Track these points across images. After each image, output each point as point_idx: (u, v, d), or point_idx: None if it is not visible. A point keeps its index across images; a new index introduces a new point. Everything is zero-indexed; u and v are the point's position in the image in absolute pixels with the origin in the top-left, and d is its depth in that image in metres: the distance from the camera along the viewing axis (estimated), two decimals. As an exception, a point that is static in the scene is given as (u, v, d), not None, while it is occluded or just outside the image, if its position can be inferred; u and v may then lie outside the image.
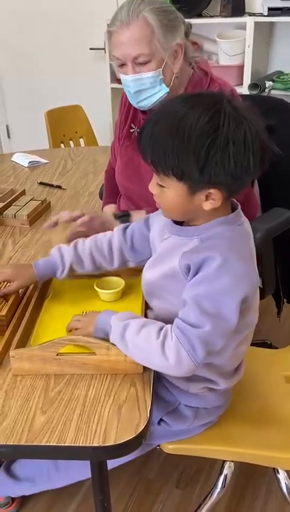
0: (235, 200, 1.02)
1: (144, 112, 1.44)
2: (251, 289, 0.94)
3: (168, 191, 0.93)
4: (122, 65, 1.33)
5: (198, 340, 0.90)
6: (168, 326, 0.94)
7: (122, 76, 1.36)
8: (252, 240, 1.01)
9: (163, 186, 0.94)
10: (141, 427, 0.87)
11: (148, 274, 1.08)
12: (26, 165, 2.31)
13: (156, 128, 0.89)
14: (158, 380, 1.08)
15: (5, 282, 1.18)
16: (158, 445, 1.18)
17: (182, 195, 0.92)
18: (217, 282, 0.90)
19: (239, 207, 1.01)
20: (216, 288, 0.90)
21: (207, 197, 0.92)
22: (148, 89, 1.33)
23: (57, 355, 0.98)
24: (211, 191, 0.91)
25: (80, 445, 0.84)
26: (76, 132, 3.10)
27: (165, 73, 1.33)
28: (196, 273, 0.92)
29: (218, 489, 1.22)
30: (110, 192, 1.67)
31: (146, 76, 1.31)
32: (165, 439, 1.16)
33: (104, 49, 3.45)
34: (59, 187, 2.04)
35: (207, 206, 0.93)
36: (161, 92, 1.34)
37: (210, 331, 0.90)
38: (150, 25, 1.26)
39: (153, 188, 0.97)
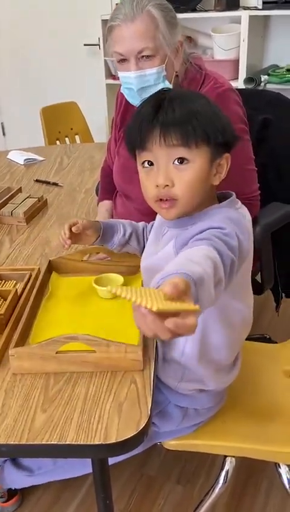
0: (230, 191, 1.03)
1: None
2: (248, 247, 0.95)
3: (192, 166, 0.94)
4: (123, 61, 1.31)
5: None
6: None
7: (123, 74, 1.32)
8: (251, 226, 1.01)
9: (187, 162, 0.93)
10: (143, 424, 0.86)
11: (146, 261, 1.10)
12: (22, 163, 2.30)
13: (175, 103, 0.93)
14: None
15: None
16: (159, 442, 1.18)
17: (204, 168, 0.95)
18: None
19: (234, 196, 1.02)
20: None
21: (217, 170, 0.98)
22: (152, 86, 1.31)
23: (57, 353, 0.97)
24: (225, 155, 0.98)
25: (82, 443, 0.84)
26: (71, 129, 3.09)
27: (168, 69, 1.32)
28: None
29: (219, 485, 1.22)
30: (105, 189, 1.66)
31: (150, 72, 1.29)
32: (152, 441, 1.16)
33: (98, 45, 3.43)
34: (56, 184, 2.03)
35: (216, 180, 0.98)
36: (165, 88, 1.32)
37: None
38: (155, 19, 1.25)
39: (166, 179, 0.94)
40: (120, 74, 1.34)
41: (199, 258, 0.78)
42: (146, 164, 0.97)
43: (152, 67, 1.29)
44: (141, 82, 1.31)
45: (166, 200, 0.96)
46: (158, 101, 0.95)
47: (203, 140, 0.93)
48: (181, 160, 0.94)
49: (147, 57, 1.28)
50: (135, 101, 1.36)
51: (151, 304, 0.61)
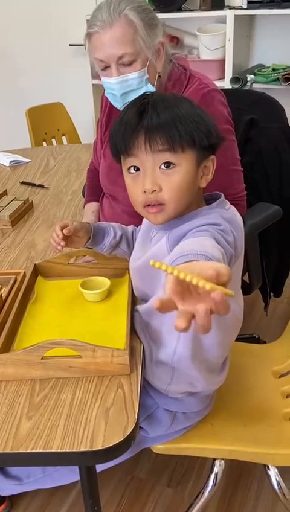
0: (218, 193, 1.03)
1: None
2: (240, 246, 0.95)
3: (179, 170, 0.93)
4: (105, 68, 1.30)
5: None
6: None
7: (105, 80, 1.31)
8: (242, 224, 1.01)
9: (174, 166, 0.93)
10: (130, 430, 0.86)
11: (137, 263, 1.09)
12: (8, 165, 2.28)
13: (159, 108, 0.92)
14: None
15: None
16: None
17: (191, 171, 0.94)
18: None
19: (222, 196, 1.02)
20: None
21: (203, 172, 0.97)
22: (135, 90, 1.29)
23: (42, 359, 0.96)
24: (211, 158, 0.98)
25: (67, 450, 0.82)
26: (58, 130, 3.07)
27: (150, 72, 1.30)
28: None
29: (209, 488, 1.21)
30: (92, 190, 1.65)
31: (132, 77, 1.28)
32: (141, 446, 1.16)
33: (84, 45, 3.41)
34: (42, 186, 2.01)
35: (203, 183, 0.98)
36: (147, 92, 1.31)
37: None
38: (133, 23, 1.23)
39: (153, 184, 0.94)
40: (103, 80, 1.33)
41: (210, 246, 0.77)
42: (132, 170, 0.97)
43: (133, 71, 1.27)
44: (123, 87, 1.29)
45: (154, 205, 0.96)
46: (142, 106, 0.94)
47: (188, 144, 0.93)
48: (167, 164, 0.93)
49: (128, 62, 1.26)
50: (119, 105, 1.35)
51: (204, 283, 0.56)
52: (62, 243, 1.13)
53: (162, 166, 0.93)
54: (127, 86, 1.29)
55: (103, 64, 1.29)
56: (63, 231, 1.13)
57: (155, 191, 0.94)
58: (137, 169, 0.96)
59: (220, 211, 0.98)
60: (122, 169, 1.01)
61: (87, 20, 1.28)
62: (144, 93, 1.03)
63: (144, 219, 1.11)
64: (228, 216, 0.95)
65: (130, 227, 1.26)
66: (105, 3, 1.25)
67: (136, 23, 1.23)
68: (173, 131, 0.91)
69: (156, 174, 0.94)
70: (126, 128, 0.94)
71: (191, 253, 0.74)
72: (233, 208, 1.03)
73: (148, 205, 0.96)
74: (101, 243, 1.21)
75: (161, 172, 0.94)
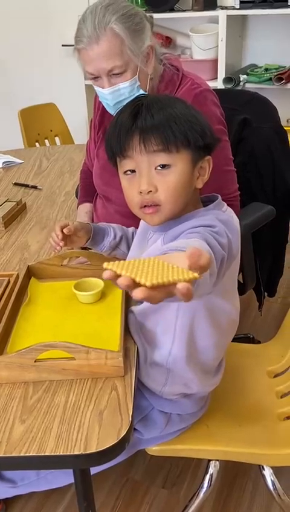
0: (215, 194, 1.03)
1: None
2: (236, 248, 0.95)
3: (174, 170, 0.93)
4: (96, 78, 1.30)
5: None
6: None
7: (98, 89, 1.33)
8: (238, 226, 1.01)
9: (169, 167, 0.93)
10: (124, 432, 0.85)
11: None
12: (0, 166, 2.27)
13: (153, 109, 0.92)
14: None
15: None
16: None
17: (186, 172, 0.94)
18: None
19: (219, 198, 1.02)
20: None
21: (199, 173, 0.97)
22: (127, 98, 1.29)
23: (35, 361, 0.96)
24: (207, 158, 0.98)
25: (61, 454, 0.82)
26: (51, 130, 3.06)
27: (141, 78, 1.31)
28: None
29: (204, 489, 1.21)
30: (85, 191, 1.64)
31: (123, 86, 1.29)
32: (135, 448, 1.15)
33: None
34: (35, 187, 2.00)
35: (199, 184, 0.98)
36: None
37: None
38: (118, 36, 1.23)
39: (149, 185, 0.94)
40: (96, 89, 1.34)
41: (196, 245, 0.78)
42: (128, 172, 0.97)
43: (124, 81, 1.28)
44: (116, 97, 1.31)
45: (150, 205, 0.96)
46: (136, 108, 0.94)
47: (183, 144, 0.93)
48: (163, 165, 0.93)
49: (118, 73, 1.27)
50: (113, 112, 1.35)
51: (145, 279, 0.61)
52: (61, 243, 1.14)
53: (158, 167, 0.93)
54: (119, 96, 1.30)
55: (93, 75, 1.30)
56: (64, 230, 1.13)
57: (151, 191, 0.94)
58: (133, 171, 0.96)
59: (216, 212, 0.98)
60: (116, 171, 1.01)
61: (75, 41, 1.27)
62: (138, 95, 1.03)
63: (141, 221, 1.10)
64: (224, 218, 0.95)
65: (131, 229, 1.26)
66: (89, 14, 1.24)
67: (122, 34, 1.23)
68: (168, 131, 0.91)
69: (152, 175, 0.94)
70: (121, 130, 0.94)
71: (172, 248, 0.73)
72: (230, 210, 1.03)
73: (145, 206, 0.96)
74: (100, 244, 1.21)
75: (157, 173, 0.94)
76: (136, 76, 1.29)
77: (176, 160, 0.93)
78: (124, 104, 1.27)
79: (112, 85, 1.29)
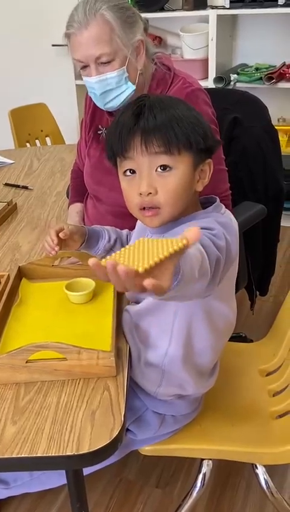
0: (214, 196, 1.02)
1: (110, 113, 1.41)
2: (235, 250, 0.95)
3: (175, 173, 0.93)
4: (84, 67, 1.29)
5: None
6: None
7: (86, 79, 1.31)
8: (237, 228, 1.00)
9: (170, 169, 0.92)
10: (116, 432, 0.85)
11: None
12: (-9, 166, 2.26)
13: (156, 109, 0.91)
14: None
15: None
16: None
17: (187, 175, 0.94)
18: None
19: (218, 200, 1.01)
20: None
21: (200, 176, 0.97)
22: (115, 89, 1.29)
23: (27, 362, 0.95)
24: (207, 161, 0.97)
25: (53, 455, 0.82)
26: (42, 131, 3.05)
27: (130, 70, 1.30)
28: None
29: (197, 488, 1.21)
30: (76, 191, 1.64)
31: (111, 76, 1.27)
32: (129, 448, 1.15)
33: (66, 45, 3.39)
34: (25, 188, 2.00)
35: (199, 187, 0.97)
36: (127, 90, 1.30)
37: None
38: (108, 22, 1.23)
39: (149, 186, 0.93)
40: (84, 79, 1.33)
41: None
42: (128, 172, 0.96)
43: (112, 70, 1.27)
44: (103, 86, 1.29)
45: (150, 208, 0.95)
46: (138, 108, 0.93)
47: (185, 146, 0.92)
48: (164, 167, 0.92)
49: (106, 61, 1.26)
50: (100, 104, 1.34)
51: (137, 265, 0.63)
52: (56, 248, 1.10)
53: (159, 169, 0.92)
54: (106, 85, 1.29)
55: (82, 63, 1.29)
56: (60, 234, 1.09)
57: (151, 193, 0.93)
58: (133, 171, 0.95)
59: (216, 215, 0.97)
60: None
61: (65, 27, 1.27)
62: (141, 95, 1.01)
63: (138, 221, 1.10)
64: (223, 220, 0.95)
65: (125, 231, 1.25)
66: (82, 2, 1.24)
67: (112, 22, 1.22)
68: (170, 132, 0.90)
69: (152, 177, 0.93)
70: (122, 129, 0.93)
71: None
72: (228, 212, 1.03)
73: (144, 209, 0.95)
74: (95, 247, 1.19)
75: (157, 175, 0.93)
76: (125, 67, 1.27)
77: (177, 163, 0.92)
78: (111, 94, 1.29)
79: (99, 73, 1.27)
